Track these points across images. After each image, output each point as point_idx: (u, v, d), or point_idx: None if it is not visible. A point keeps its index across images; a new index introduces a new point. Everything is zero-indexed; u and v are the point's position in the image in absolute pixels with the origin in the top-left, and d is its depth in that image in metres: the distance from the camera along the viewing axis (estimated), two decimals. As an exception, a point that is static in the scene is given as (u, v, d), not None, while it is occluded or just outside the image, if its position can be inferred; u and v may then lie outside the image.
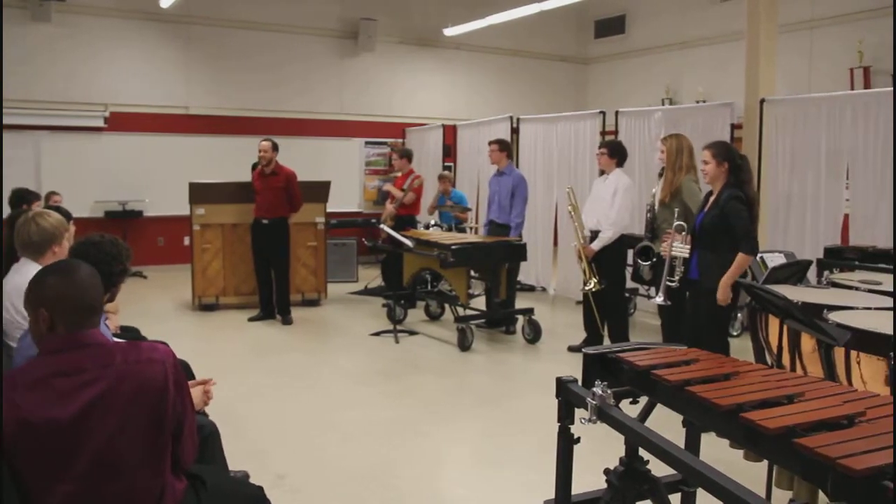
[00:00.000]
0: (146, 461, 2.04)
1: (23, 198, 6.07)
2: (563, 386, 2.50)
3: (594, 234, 6.10)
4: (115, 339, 2.16)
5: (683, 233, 4.69)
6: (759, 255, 4.70)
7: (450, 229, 8.42)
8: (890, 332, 2.73)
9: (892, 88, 5.92)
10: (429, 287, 8.07)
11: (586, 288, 6.08)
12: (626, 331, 6.29)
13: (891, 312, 3.18)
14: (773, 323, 3.31)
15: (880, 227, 5.97)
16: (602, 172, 6.27)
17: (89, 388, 1.92)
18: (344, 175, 11.75)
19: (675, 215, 4.90)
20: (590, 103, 13.18)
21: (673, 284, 4.72)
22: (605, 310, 6.19)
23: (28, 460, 1.87)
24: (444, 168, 10.81)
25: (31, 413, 1.86)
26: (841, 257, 4.95)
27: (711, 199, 4.60)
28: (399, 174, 8.72)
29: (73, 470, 1.91)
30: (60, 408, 1.88)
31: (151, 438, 2.02)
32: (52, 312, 1.97)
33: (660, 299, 4.84)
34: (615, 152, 6.17)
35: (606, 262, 6.07)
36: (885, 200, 5.95)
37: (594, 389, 2.32)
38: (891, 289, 3.66)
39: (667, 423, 2.49)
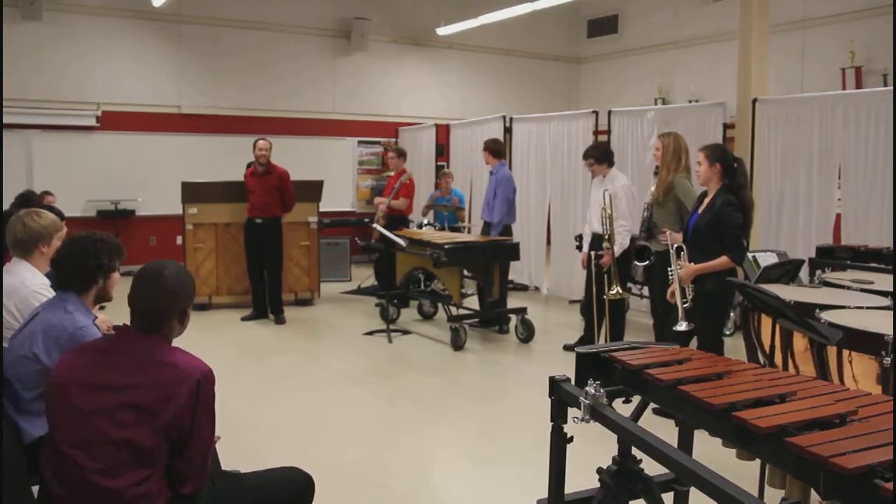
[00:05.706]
0: (131, 459, 2.14)
1: (24, 203, 5.99)
2: (556, 385, 2.49)
3: (596, 237, 6.06)
4: (175, 346, 2.37)
5: (683, 253, 4.56)
6: (751, 254, 4.69)
7: (442, 229, 8.41)
8: (881, 331, 2.74)
9: (883, 88, 5.95)
10: (422, 286, 8.07)
11: (610, 293, 5.92)
12: (623, 330, 6.27)
13: (882, 312, 3.20)
14: (766, 322, 3.31)
15: (872, 226, 6.00)
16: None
17: (117, 370, 2.22)
18: (337, 174, 11.71)
19: (670, 212, 4.80)
20: (583, 103, 13.20)
21: (687, 305, 4.46)
22: (610, 310, 6.13)
23: (55, 407, 2.25)
24: (438, 167, 10.80)
25: (70, 370, 2.25)
26: (833, 257, 4.97)
27: (706, 200, 4.58)
28: (392, 173, 8.75)
29: (78, 431, 2.15)
30: (91, 373, 2.23)
31: (137, 434, 2.13)
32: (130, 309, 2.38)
33: (682, 327, 4.43)
34: (602, 157, 6.12)
35: (617, 265, 6.00)
36: (877, 200, 5.98)
37: (587, 389, 2.31)
38: (882, 288, 3.68)
39: (660, 422, 2.50)
